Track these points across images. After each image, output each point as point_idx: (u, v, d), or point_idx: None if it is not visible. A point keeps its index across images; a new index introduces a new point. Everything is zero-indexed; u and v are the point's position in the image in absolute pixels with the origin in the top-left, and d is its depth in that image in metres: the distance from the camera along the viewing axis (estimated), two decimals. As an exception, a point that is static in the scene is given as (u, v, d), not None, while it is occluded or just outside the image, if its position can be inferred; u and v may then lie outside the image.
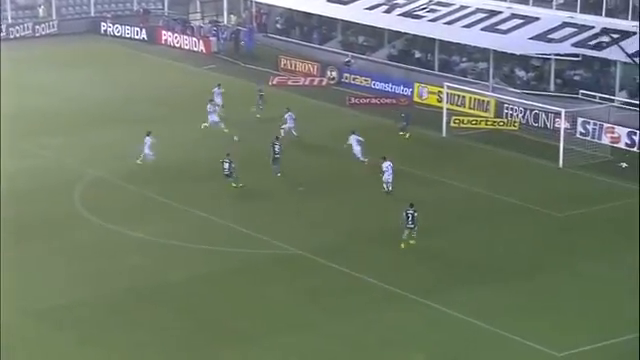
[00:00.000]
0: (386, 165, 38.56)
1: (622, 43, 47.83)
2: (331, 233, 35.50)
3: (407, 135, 45.53)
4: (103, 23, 67.13)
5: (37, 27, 66.53)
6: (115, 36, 66.37)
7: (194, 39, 63.42)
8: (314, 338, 28.28)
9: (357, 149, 41.97)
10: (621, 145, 44.50)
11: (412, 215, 33.82)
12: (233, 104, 49.79)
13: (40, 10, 67.01)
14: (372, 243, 34.65)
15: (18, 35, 65.56)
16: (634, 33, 48.04)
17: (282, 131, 44.35)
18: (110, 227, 35.82)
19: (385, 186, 38.50)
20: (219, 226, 35.98)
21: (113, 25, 66.82)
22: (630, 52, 47.11)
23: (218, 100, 47.86)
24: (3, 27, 65.16)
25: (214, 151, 43.38)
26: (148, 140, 41.69)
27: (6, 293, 30.50)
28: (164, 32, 64.99)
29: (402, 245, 33.73)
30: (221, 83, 49.94)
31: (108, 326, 28.98)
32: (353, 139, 42.06)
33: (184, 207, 37.56)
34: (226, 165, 39.22)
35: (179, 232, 35.35)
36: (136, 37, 65.91)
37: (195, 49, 63.05)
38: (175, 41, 64.24)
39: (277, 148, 40.51)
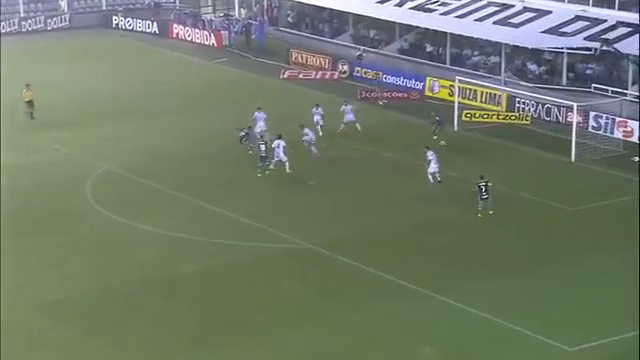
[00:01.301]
0: (430, 154, 38.51)
1: (635, 37, 47.60)
2: (342, 227, 35.50)
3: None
4: (115, 17, 67.28)
5: (49, 21, 66.77)
6: (127, 30, 66.51)
7: (205, 33, 63.50)
8: (326, 331, 28.28)
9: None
10: (634, 139, 44.33)
11: (485, 186, 35.30)
12: (245, 99, 49.91)
13: (62, 3, 67.16)
14: (383, 236, 34.63)
15: (30, 29, 65.82)
16: (647, 26, 47.89)
17: (341, 127, 44.15)
18: (121, 220, 35.90)
19: (431, 177, 38.38)
20: (230, 220, 36.00)
21: (125, 19, 67.00)
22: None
23: (350, 117, 44.76)
24: (16, 21, 65.39)
25: (226, 145, 43.54)
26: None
27: (14, 286, 30.60)
28: (175, 26, 65.10)
29: (479, 215, 35.61)
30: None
31: (117, 320, 29.02)
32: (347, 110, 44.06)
33: (195, 200, 37.61)
34: (262, 147, 39.47)
35: (190, 225, 35.40)
36: (147, 31, 66.06)
37: (206, 43, 63.14)
38: (186, 35, 64.33)
39: (263, 147, 39.98)
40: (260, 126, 43.34)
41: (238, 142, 41.97)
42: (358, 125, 44.63)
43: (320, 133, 43.90)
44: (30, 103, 46.55)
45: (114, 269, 32.18)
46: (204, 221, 36.00)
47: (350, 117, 44.76)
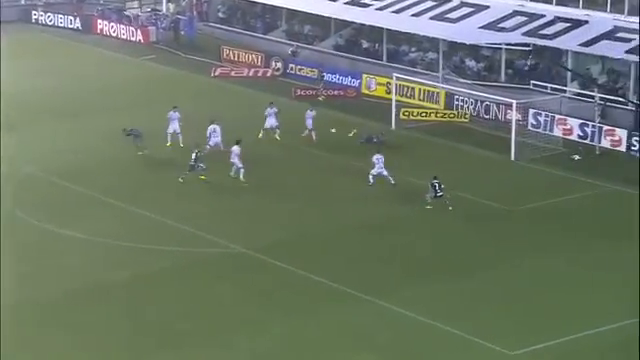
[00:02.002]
0: (376, 157, 38.82)
1: (574, 32, 48.62)
2: (277, 230, 35.67)
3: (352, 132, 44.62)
4: (34, 11, 66.43)
5: (-37, 15, 65.61)
6: (47, 25, 65.73)
7: (131, 28, 63.07)
8: (262, 338, 28.43)
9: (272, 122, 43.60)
10: (573, 137, 45.25)
11: (438, 184, 36.38)
12: (177, 97, 49.73)
13: None
14: (320, 239, 34.89)
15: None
16: (586, 22, 48.82)
17: (261, 133, 43.51)
18: (45, 226, 35.59)
19: (371, 178, 38.76)
20: (161, 224, 35.93)
21: (45, 13, 66.17)
22: (581, 41, 47.84)
23: (272, 121, 44.05)
24: None
25: (155, 147, 43.35)
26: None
27: None
28: (100, 21, 64.53)
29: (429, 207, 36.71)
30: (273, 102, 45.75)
31: (42, 332, 28.80)
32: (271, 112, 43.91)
33: (123, 204, 37.44)
34: (193, 155, 39.35)
35: (118, 231, 35.24)
36: (70, 26, 65.36)
37: (133, 39, 62.71)
38: (111, 30, 63.81)
39: (193, 155, 39.60)
40: (174, 127, 43.26)
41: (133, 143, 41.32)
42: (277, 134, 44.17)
43: (277, 137, 43.67)
44: None
45: (38, 279, 31.90)
46: (133, 226, 35.88)
47: (273, 122, 44.16)
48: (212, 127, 41.72)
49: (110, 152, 43.16)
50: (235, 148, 39.78)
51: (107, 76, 55.07)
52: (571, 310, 30.08)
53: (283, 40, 59.25)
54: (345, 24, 57.03)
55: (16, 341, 28.23)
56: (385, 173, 38.85)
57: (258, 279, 32.05)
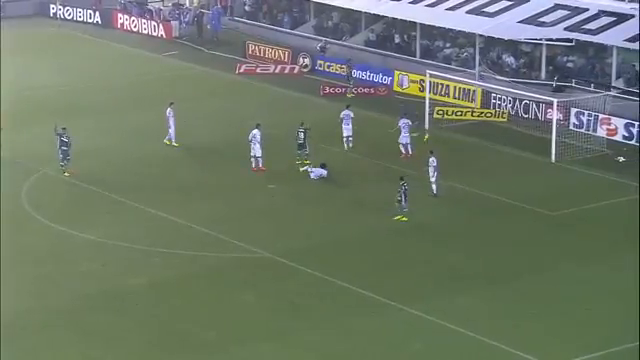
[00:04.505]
0: (431, 160, 38.37)
1: (619, 27, 48.18)
2: (304, 235, 35.54)
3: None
4: (52, 5, 66.77)
5: (-21, 9, 66.06)
6: (66, 19, 66.05)
7: (153, 23, 63.23)
8: (287, 348, 28.31)
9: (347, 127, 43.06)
10: (618, 138, 44.83)
11: (401, 188, 35.71)
12: (198, 95, 49.85)
13: None
14: (349, 244, 34.72)
15: (-42, 18, 65.10)
16: (632, 16, 48.39)
17: (345, 145, 42.65)
18: (61, 228, 35.66)
19: (434, 188, 38.24)
20: (181, 227, 35.90)
21: (64, 7, 66.50)
22: (627, 37, 47.41)
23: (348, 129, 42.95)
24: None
25: (174, 147, 43.44)
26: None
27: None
28: (120, 15, 64.74)
29: (395, 218, 35.90)
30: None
31: (57, 339, 28.75)
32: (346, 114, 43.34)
33: (141, 206, 37.46)
34: (301, 135, 40.10)
35: (136, 234, 35.24)
36: (89, 21, 65.64)
37: (154, 34, 62.87)
38: (132, 25, 64.01)
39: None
40: (171, 125, 43.28)
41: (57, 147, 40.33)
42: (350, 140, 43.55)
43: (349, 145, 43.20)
44: None
45: (54, 283, 31.95)
46: (152, 229, 35.84)
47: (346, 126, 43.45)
48: (254, 132, 40.72)
49: (127, 151, 43.24)
50: (255, 132, 39.96)
51: (126, 73, 55.19)
52: (613, 320, 29.71)
53: (311, 35, 59.18)
54: (376, 18, 56.87)
55: (28, 347, 28.21)
56: (433, 179, 38.28)
57: (284, 286, 31.92)
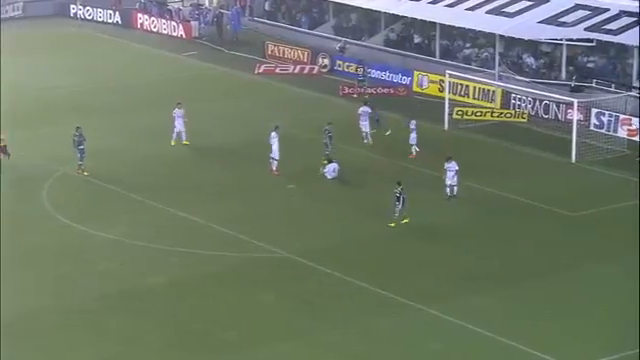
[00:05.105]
0: (449, 165, 38.00)
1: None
2: (322, 235, 35.59)
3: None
4: (72, 5, 67.10)
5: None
6: (86, 19, 66.36)
7: (173, 23, 63.46)
8: (306, 348, 28.36)
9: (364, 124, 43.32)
10: (639, 138, 44.65)
11: (400, 194, 35.37)
12: (217, 95, 49.95)
13: None
14: (368, 244, 34.76)
15: (-21, 19, 65.49)
16: (655, 16, 48.27)
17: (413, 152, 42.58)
18: (80, 228, 35.84)
19: (448, 189, 38.03)
20: (200, 226, 36.02)
21: (84, 7, 66.82)
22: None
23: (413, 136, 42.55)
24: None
25: (191, 146, 43.58)
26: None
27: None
28: (140, 15, 65.01)
29: (393, 225, 35.44)
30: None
31: (75, 338, 28.88)
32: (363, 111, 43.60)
33: (160, 205, 37.60)
34: (327, 134, 40.64)
35: (155, 233, 35.37)
36: (109, 21, 65.93)
37: (174, 34, 63.09)
38: (152, 25, 64.26)
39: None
40: (178, 125, 43.34)
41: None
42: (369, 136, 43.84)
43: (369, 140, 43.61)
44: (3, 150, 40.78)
45: (73, 282, 32.10)
46: (171, 228, 35.97)
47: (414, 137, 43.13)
48: (272, 134, 40.63)
49: (146, 151, 43.42)
50: (273, 134, 40.13)
51: (146, 73, 55.42)
52: (633, 321, 29.59)
53: (330, 35, 59.23)
54: (396, 18, 56.88)
55: (46, 347, 28.36)
56: (452, 183, 37.97)
57: (304, 286, 31.98)
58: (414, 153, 42.54)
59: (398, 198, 35.58)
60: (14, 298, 30.81)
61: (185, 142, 43.59)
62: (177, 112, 43.70)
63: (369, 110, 44.24)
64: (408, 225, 35.92)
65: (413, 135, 42.58)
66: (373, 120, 44.54)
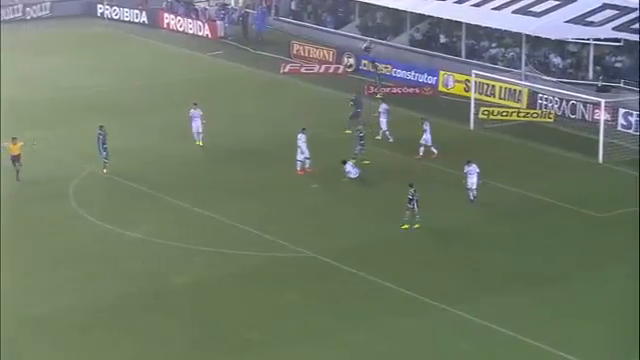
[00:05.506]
0: (469, 169, 37.65)
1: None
2: (346, 234, 35.60)
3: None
4: (100, 5, 67.47)
5: (28, 9, 66.95)
6: (112, 19, 66.70)
7: (199, 23, 63.69)
8: (331, 348, 28.36)
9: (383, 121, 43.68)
10: (666, 138, 44.47)
11: (412, 196, 35.07)
12: (242, 95, 50.05)
13: None
14: (393, 244, 34.74)
15: (7, 18, 65.96)
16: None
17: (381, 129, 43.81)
18: (107, 227, 36.03)
19: (470, 193, 37.72)
20: (225, 226, 36.13)
21: (110, 7, 67.18)
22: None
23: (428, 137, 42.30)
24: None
25: (216, 145, 43.72)
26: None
27: (-6, 298, 30.76)
28: (166, 15, 65.30)
29: (405, 227, 35.32)
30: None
31: (104, 336, 29.08)
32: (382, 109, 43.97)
33: (186, 205, 37.73)
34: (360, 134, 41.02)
35: (181, 232, 35.50)
36: (135, 20, 66.25)
37: (200, 33, 63.31)
38: (178, 25, 64.52)
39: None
40: (196, 125, 43.37)
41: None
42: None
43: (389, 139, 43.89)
44: (17, 159, 39.98)
45: (100, 281, 32.26)
46: (196, 227, 36.10)
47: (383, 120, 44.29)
48: (299, 136, 40.59)
49: (172, 150, 43.58)
50: (301, 136, 40.21)
51: (172, 72, 55.64)
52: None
53: (356, 35, 59.23)
54: (421, 18, 56.81)
55: (71, 346, 28.54)
56: (474, 187, 37.79)
57: (328, 286, 32.00)
58: (421, 154, 42.01)
59: (410, 200, 35.31)
60: (42, 297, 31.05)
61: (199, 143, 43.47)
62: (194, 112, 43.75)
63: (388, 107, 44.31)
64: (432, 225, 35.86)
65: (426, 136, 42.12)
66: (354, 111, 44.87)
